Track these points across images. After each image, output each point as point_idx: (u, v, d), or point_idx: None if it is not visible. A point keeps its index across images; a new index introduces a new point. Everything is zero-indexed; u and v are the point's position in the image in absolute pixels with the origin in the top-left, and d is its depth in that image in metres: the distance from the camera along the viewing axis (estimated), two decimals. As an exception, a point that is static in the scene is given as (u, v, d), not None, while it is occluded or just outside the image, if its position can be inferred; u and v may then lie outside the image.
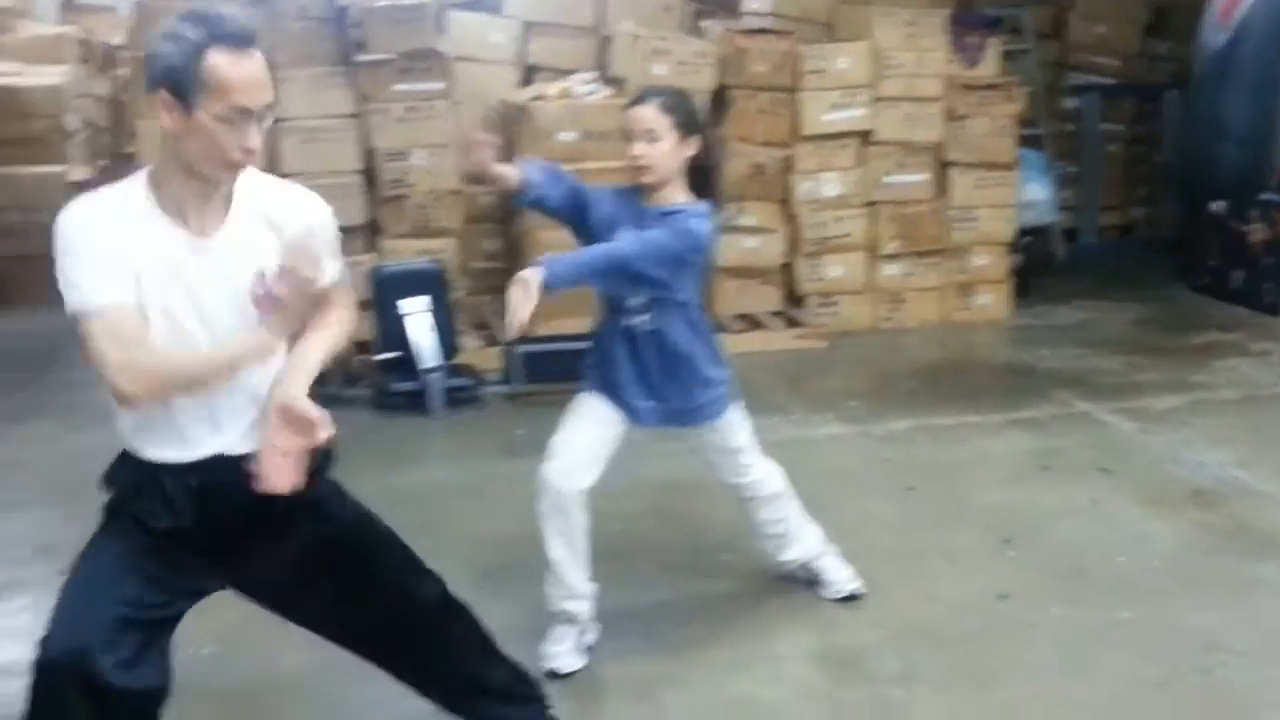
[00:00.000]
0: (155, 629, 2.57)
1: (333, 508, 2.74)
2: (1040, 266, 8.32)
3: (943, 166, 7.31)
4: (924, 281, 7.37)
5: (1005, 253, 7.59)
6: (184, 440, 2.55)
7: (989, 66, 7.57)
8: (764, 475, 3.85)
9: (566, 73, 7.11)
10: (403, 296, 6.01)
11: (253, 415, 2.57)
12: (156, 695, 2.55)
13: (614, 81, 7.05)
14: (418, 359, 5.89)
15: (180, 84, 2.35)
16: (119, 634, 2.47)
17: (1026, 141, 7.97)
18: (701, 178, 3.59)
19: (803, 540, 3.93)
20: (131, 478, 2.63)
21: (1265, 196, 7.40)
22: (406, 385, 5.95)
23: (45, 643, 2.45)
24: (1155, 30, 9.45)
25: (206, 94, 2.35)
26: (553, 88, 6.85)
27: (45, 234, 7.87)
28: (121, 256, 2.41)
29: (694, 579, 4.22)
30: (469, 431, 5.83)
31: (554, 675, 3.49)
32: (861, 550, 4.09)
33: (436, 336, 5.95)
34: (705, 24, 7.56)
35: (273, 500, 2.53)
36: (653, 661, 3.67)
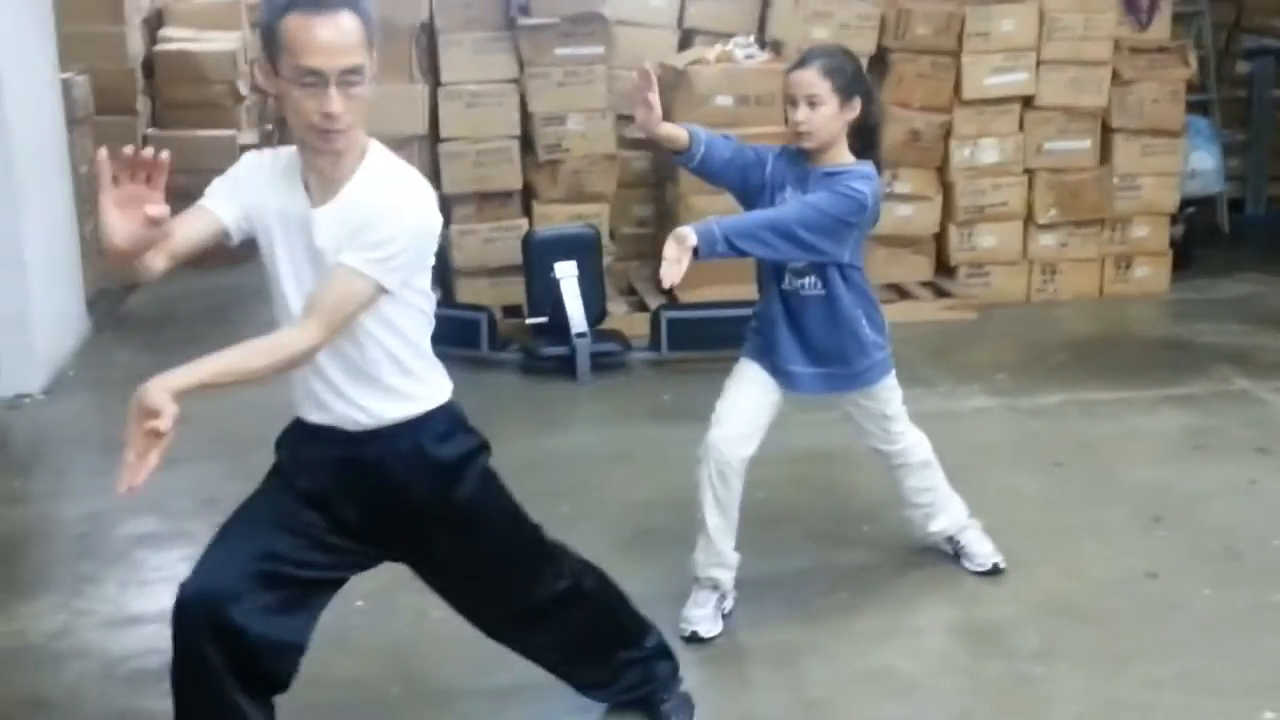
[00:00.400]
0: (299, 587, 2.63)
1: (469, 494, 2.75)
2: (1204, 238, 8.08)
3: (1106, 133, 7.13)
4: (1081, 252, 7.22)
5: (1167, 223, 7.42)
6: (318, 403, 2.62)
7: (1160, 29, 7.37)
8: (914, 443, 3.82)
9: (725, 36, 7.03)
10: (555, 261, 6.04)
11: (369, 385, 2.59)
12: (289, 650, 2.62)
13: (773, 45, 6.99)
14: (569, 323, 5.95)
15: (269, 46, 2.39)
16: (255, 585, 2.54)
17: (1194, 108, 7.77)
18: (864, 138, 3.56)
19: (949, 511, 3.91)
20: (288, 437, 2.75)
21: None
22: (556, 350, 6.01)
23: (183, 585, 2.54)
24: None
25: (284, 55, 2.36)
26: (711, 52, 6.79)
27: (215, 195, 7.68)
28: (251, 196, 2.53)
29: (836, 548, 4.23)
30: (617, 397, 5.88)
31: (694, 638, 3.54)
32: (1006, 525, 4.07)
33: (586, 301, 6.02)
34: (869, -15, 7.48)
35: (411, 480, 2.64)
36: (793, 629, 3.70)
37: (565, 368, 5.95)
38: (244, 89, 8.95)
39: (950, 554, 3.99)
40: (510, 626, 2.99)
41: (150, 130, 8.37)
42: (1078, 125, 7.08)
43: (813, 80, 3.39)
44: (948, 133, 6.99)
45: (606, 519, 4.41)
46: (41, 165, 6.01)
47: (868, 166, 3.51)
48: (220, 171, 8.49)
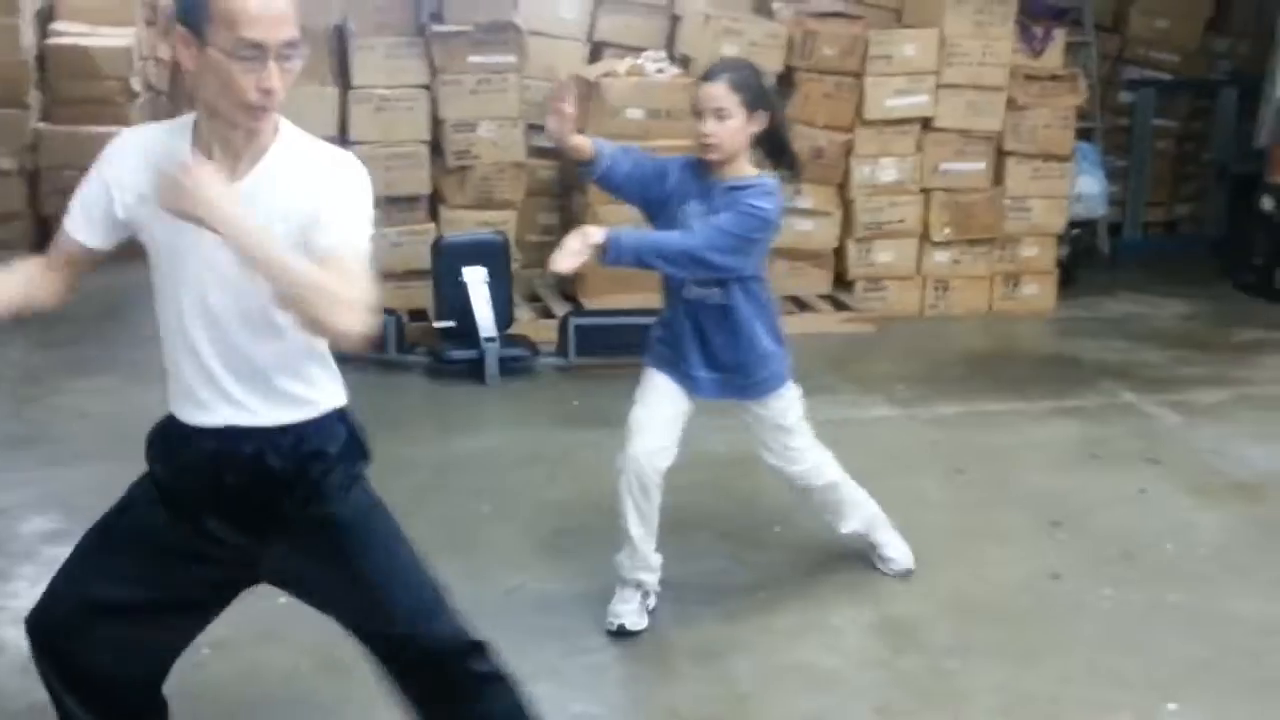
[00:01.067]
0: (151, 617, 2.49)
1: (344, 504, 2.50)
2: (1086, 259, 8.34)
3: (1000, 155, 7.33)
4: (972, 270, 7.40)
5: (1055, 244, 7.62)
6: (199, 404, 2.42)
7: (1053, 57, 7.56)
8: (815, 465, 3.81)
9: (636, 50, 7.13)
10: (464, 266, 6.07)
11: (260, 388, 2.40)
12: (144, 687, 2.57)
13: (682, 60, 7.08)
14: (478, 328, 5.97)
15: (193, 15, 2.18)
16: (101, 616, 2.43)
17: (1080, 134, 7.98)
18: (774, 148, 3.61)
19: (860, 514, 3.93)
20: (159, 441, 2.54)
21: None
22: (464, 354, 6.02)
23: (26, 619, 2.51)
24: (1216, 26, 9.44)
25: (216, 26, 2.16)
26: (622, 65, 6.87)
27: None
28: (129, 194, 2.34)
29: (751, 549, 4.29)
30: (525, 401, 5.90)
31: (622, 632, 3.61)
32: (912, 528, 4.15)
33: (495, 307, 6.03)
34: (777, 5, 7.49)
35: (283, 478, 2.42)
36: (716, 627, 3.77)
37: (473, 371, 5.97)
38: (137, 85, 8.79)
39: (864, 555, 4.06)
40: (407, 668, 2.58)
41: (41, 125, 8.17)
42: (973, 148, 7.26)
43: (720, 94, 3.40)
44: (849, 151, 7.10)
45: (524, 520, 4.46)
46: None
47: (769, 180, 3.55)
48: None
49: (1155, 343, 6.92)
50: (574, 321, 6.20)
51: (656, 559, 3.72)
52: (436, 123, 6.60)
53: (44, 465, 4.82)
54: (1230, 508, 4.72)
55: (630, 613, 3.66)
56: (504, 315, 6.15)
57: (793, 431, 3.75)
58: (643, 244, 3.40)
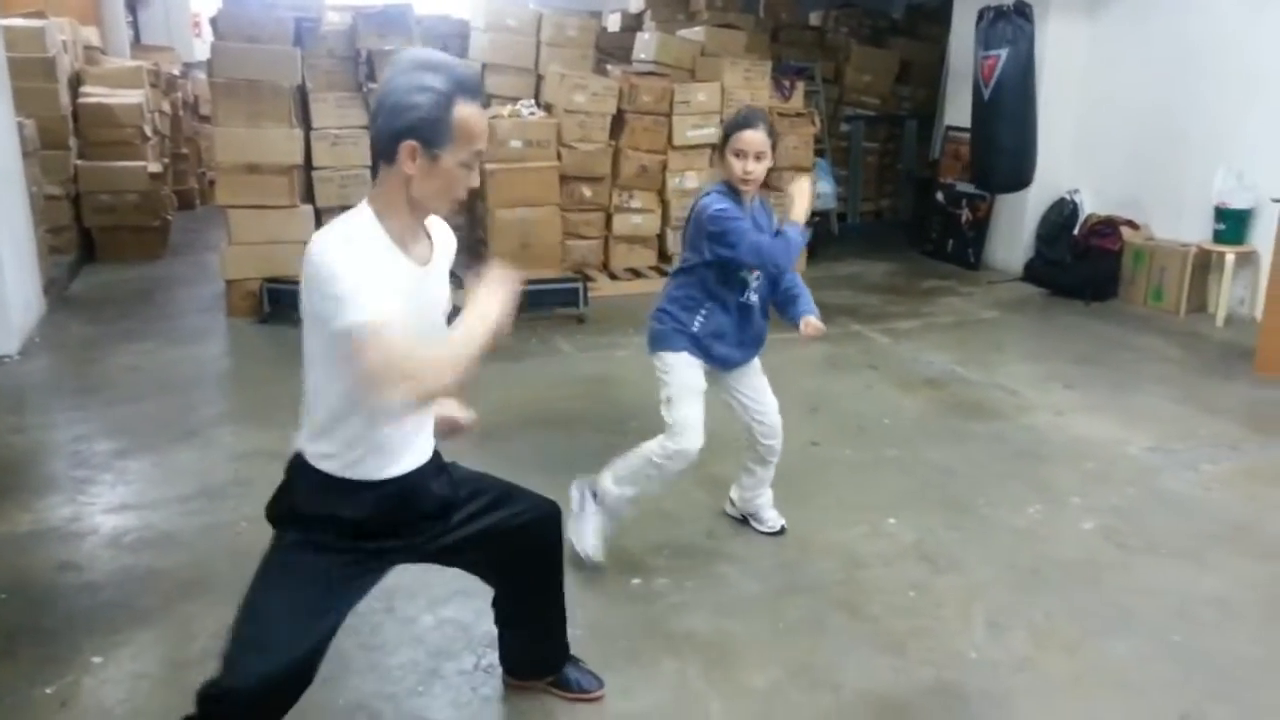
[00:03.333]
0: (326, 639, 2.02)
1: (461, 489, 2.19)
2: (824, 237, 8.51)
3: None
4: None
5: None
6: (390, 456, 2.02)
7: (797, 101, 7.71)
8: (779, 439, 3.32)
9: (513, 99, 7.10)
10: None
11: (430, 423, 2.11)
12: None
13: (545, 106, 7.06)
14: None
15: (431, 133, 1.84)
16: (306, 660, 1.97)
17: (817, 153, 8.16)
18: None
19: (764, 496, 3.48)
20: (319, 502, 2.01)
21: (967, 190, 7.67)
22: None
23: (236, 670, 1.89)
24: (901, 79, 9.78)
25: (455, 142, 1.85)
26: (505, 109, 6.82)
27: (131, 210, 7.99)
28: (385, 278, 1.82)
29: (614, 436, 4.15)
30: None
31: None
32: (716, 419, 3.88)
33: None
34: (609, 67, 7.58)
35: (442, 494, 2.12)
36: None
37: None
38: (148, 131, 8.43)
39: (739, 519, 3.55)
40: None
41: (79, 161, 7.77)
42: (747, 163, 7.38)
43: (762, 141, 2.95)
44: (664, 167, 7.14)
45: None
46: (7, 187, 5.57)
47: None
48: (132, 192, 8.07)
49: (871, 291, 7.11)
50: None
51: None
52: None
53: (107, 405, 4.66)
54: (923, 395, 4.92)
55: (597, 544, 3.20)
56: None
57: (767, 387, 3.32)
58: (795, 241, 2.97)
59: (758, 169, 2.97)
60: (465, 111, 1.86)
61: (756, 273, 3.09)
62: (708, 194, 3.06)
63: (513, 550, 2.30)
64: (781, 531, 3.45)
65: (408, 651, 2.76)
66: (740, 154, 2.97)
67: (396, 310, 1.78)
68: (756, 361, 3.29)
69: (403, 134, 1.85)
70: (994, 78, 6.70)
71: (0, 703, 2.52)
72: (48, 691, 2.57)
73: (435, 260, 2.01)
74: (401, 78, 1.86)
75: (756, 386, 3.28)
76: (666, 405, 3.11)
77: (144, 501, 3.67)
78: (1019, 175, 6.93)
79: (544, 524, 2.34)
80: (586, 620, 2.83)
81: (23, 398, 4.81)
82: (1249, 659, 2.75)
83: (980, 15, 6.83)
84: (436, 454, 2.14)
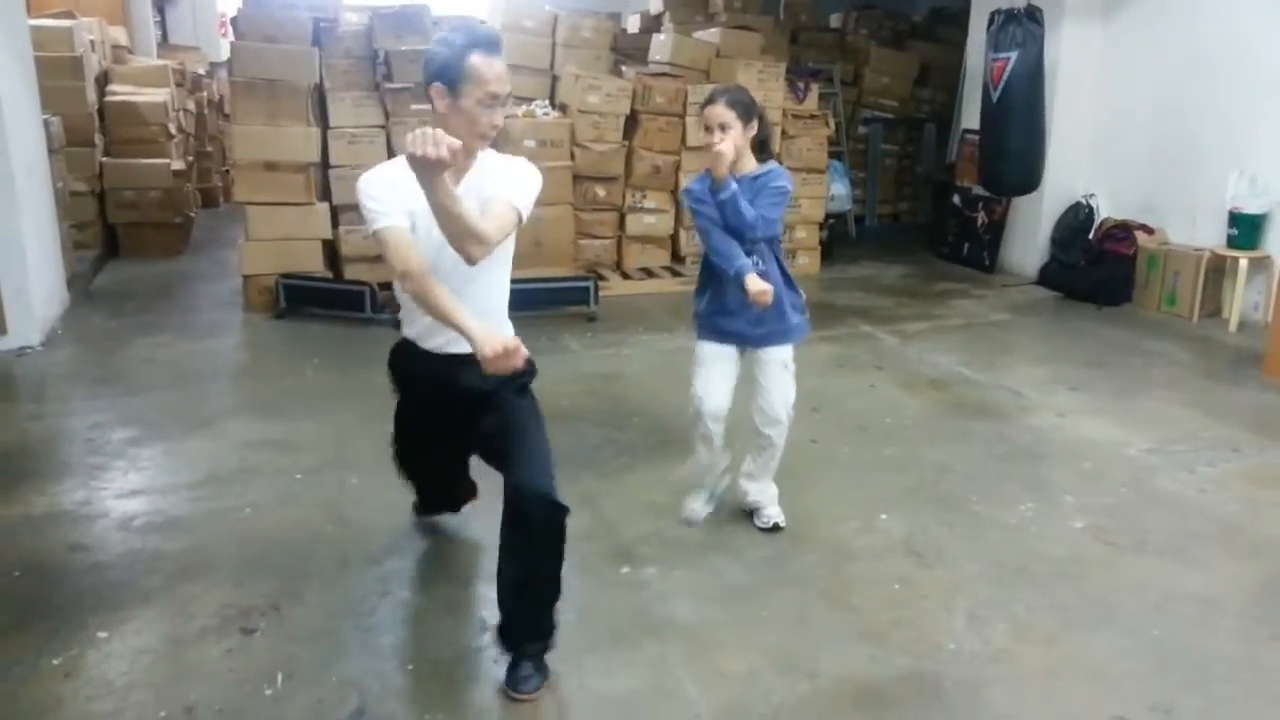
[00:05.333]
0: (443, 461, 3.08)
1: (514, 396, 2.63)
2: (840, 239, 8.60)
3: (779, 170, 7.54)
4: None
5: (818, 229, 7.84)
6: (429, 333, 2.61)
7: (811, 102, 7.76)
8: (790, 410, 3.43)
9: (528, 100, 7.18)
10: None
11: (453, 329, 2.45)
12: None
13: (560, 106, 7.15)
14: None
15: (450, 77, 2.34)
16: (450, 469, 3.12)
17: (833, 155, 8.25)
18: (762, 147, 3.27)
19: (768, 491, 3.56)
20: (401, 357, 2.77)
21: (982, 194, 7.68)
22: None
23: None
24: (921, 82, 9.83)
25: (469, 84, 2.34)
26: (520, 110, 6.91)
27: (154, 206, 8.16)
28: (400, 199, 2.38)
29: (617, 432, 4.37)
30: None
31: (689, 523, 3.49)
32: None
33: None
34: (624, 68, 7.66)
35: (487, 381, 2.49)
36: (593, 482, 3.83)
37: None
38: (172, 129, 8.63)
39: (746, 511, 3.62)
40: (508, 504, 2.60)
41: (104, 159, 7.96)
42: (761, 164, 7.45)
43: (722, 112, 3.09)
44: (678, 167, 7.22)
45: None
46: (33, 182, 5.74)
47: (776, 165, 3.25)
48: (157, 189, 8.26)
49: (884, 293, 7.15)
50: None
51: (720, 464, 3.52)
52: (391, 151, 6.50)
53: (123, 395, 4.80)
54: (926, 395, 4.95)
55: (694, 507, 3.52)
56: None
57: (791, 379, 3.40)
58: (738, 198, 3.10)
59: (719, 141, 3.08)
60: (476, 60, 2.35)
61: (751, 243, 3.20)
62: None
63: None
64: (775, 529, 3.49)
65: (400, 631, 2.86)
66: (707, 129, 3.13)
67: (405, 221, 2.41)
68: (782, 355, 3.37)
69: (431, 79, 2.38)
70: (1003, 80, 6.74)
71: (10, 672, 2.65)
72: (55, 662, 2.69)
73: (465, 183, 2.47)
74: (436, 39, 2.42)
75: (770, 374, 3.38)
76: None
77: (154, 487, 3.80)
78: (1026, 178, 6.96)
79: (518, 497, 2.49)
80: (574, 605, 2.91)
81: (43, 386, 4.96)
82: (1226, 654, 2.80)
83: (991, 18, 6.88)
84: (476, 363, 2.38)
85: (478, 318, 2.41)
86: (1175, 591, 3.12)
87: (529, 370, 2.59)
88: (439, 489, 3.30)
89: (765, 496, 3.55)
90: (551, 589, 2.61)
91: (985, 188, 7.41)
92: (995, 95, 6.84)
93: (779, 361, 3.37)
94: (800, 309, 3.40)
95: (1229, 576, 3.23)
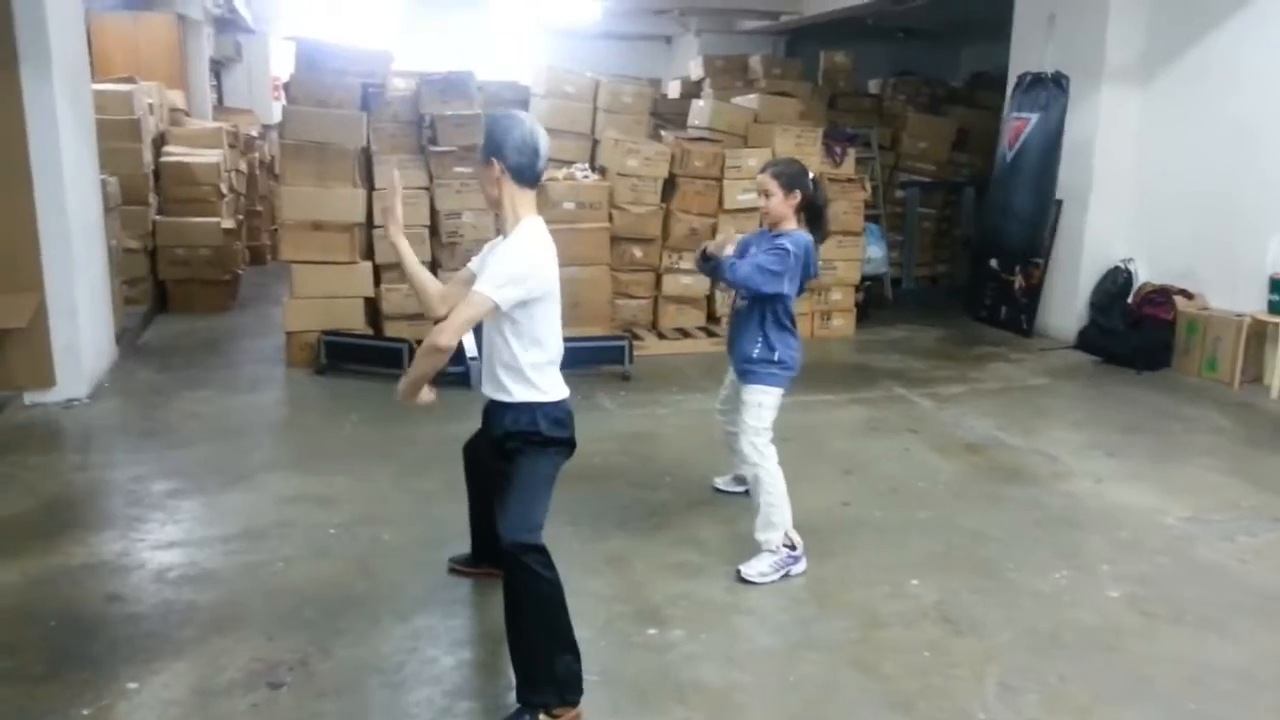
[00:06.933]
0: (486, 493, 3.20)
1: (519, 448, 2.78)
2: (876, 302, 8.58)
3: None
4: (799, 309, 7.48)
5: (853, 291, 7.83)
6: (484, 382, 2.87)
7: (848, 166, 7.79)
8: (759, 453, 3.64)
9: (568, 163, 7.28)
10: (455, 309, 6.14)
11: (492, 381, 2.81)
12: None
13: (600, 169, 7.23)
14: (464, 351, 6.03)
15: (527, 178, 2.78)
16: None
17: (870, 218, 8.26)
18: (810, 217, 3.70)
19: (761, 518, 3.65)
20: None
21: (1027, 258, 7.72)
22: (455, 369, 5.98)
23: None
24: (959, 146, 9.85)
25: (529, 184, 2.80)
26: (560, 173, 7.00)
27: (204, 264, 8.37)
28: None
29: (648, 492, 4.38)
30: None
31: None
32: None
33: (474, 336, 6.12)
34: (663, 132, 7.75)
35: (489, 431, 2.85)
36: (623, 541, 3.86)
37: (462, 380, 5.99)
38: (224, 189, 8.88)
39: (727, 496, 4.16)
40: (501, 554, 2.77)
41: (158, 217, 8.21)
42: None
43: (766, 181, 3.64)
44: (714, 230, 7.14)
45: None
46: (88, 240, 5.92)
47: (800, 234, 3.61)
48: (208, 248, 8.50)
49: (920, 356, 7.13)
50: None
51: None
52: (434, 212, 6.64)
53: (166, 448, 4.89)
54: (961, 459, 4.91)
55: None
56: (480, 341, 6.21)
57: (750, 417, 3.66)
58: (722, 267, 3.61)
59: (767, 203, 3.65)
60: (542, 172, 2.87)
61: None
62: None
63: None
64: (738, 574, 3.55)
65: (427, 689, 2.87)
66: (760, 193, 3.70)
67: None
68: (747, 394, 3.71)
69: (495, 156, 2.78)
70: (1020, 141, 6.78)
71: (41, 721, 2.69)
72: (85, 713, 2.72)
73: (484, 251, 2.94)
74: (519, 129, 2.79)
75: (740, 409, 3.75)
76: None
77: (190, 540, 3.86)
78: (1028, 245, 6.91)
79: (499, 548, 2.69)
80: (599, 666, 2.91)
81: (89, 438, 5.07)
82: (1266, 732, 2.72)
83: (1019, 80, 6.93)
84: (501, 409, 2.79)
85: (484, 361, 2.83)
86: (1212, 665, 3.05)
87: (536, 430, 2.75)
88: (480, 529, 3.37)
89: (759, 537, 3.64)
90: (530, 639, 2.66)
91: (983, 246, 7.39)
92: (1010, 155, 6.90)
93: (745, 399, 3.71)
94: (776, 360, 3.68)
95: (1268, 651, 3.15)
